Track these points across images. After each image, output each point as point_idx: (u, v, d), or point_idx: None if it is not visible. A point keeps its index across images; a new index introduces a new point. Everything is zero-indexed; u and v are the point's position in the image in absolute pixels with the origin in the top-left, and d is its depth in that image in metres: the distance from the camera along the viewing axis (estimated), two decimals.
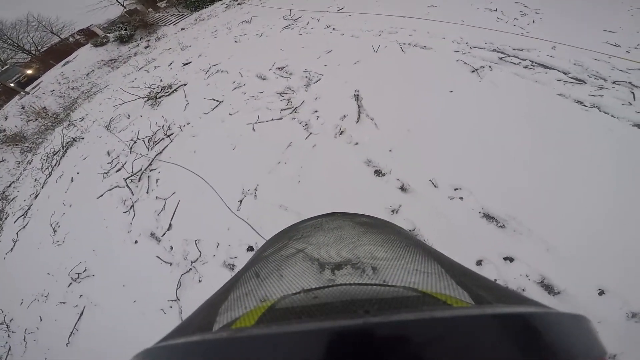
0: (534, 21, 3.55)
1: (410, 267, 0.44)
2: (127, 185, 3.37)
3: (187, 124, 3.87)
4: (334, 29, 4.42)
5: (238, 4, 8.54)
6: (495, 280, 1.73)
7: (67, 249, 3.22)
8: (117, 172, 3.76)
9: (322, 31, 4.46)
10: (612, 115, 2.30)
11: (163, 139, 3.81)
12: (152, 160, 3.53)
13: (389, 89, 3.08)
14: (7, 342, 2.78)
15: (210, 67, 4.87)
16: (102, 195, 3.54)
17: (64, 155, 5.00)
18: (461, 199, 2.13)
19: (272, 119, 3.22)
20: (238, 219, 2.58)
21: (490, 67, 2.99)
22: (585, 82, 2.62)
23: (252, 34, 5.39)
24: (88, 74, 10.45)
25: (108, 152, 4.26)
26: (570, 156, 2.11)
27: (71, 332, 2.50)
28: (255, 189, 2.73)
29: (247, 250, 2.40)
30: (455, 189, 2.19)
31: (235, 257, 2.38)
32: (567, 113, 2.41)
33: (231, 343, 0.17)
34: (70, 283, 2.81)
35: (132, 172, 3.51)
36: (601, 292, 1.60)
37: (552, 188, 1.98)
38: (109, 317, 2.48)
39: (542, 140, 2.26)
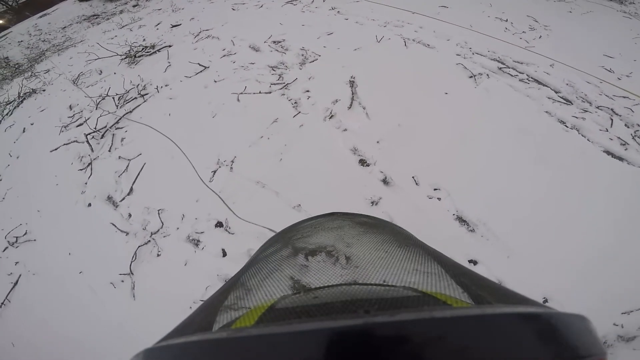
0: (540, 37, 3.57)
1: (410, 267, 0.43)
2: (87, 141, 3.02)
3: (166, 85, 3.55)
4: (339, 12, 4.23)
5: None
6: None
7: (6, 207, 2.81)
8: (77, 127, 3.38)
9: (327, 12, 4.26)
10: (587, 139, 2.38)
11: (136, 97, 3.47)
12: (120, 119, 3.19)
13: (386, 81, 2.97)
14: None
15: (200, 32, 4.53)
16: (56, 149, 3.16)
17: (18, 106, 4.45)
18: (439, 199, 2.13)
19: (260, 92, 3.00)
20: (209, 191, 2.37)
21: (488, 75, 2.97)
22: (572, 103, 2.68)
23: (252, 4, 5.08)
24: (64, 27, 9.51)
25: (70, 106, 3.82)
26: (544, 173, 2.17)
27: (1, 303, 2.16)
28: (232, 161, 2.53)
29: (216, 226, 2.21)
30: (435, 189, 2.18)
31: (202, 233, 2.18)
32: (549, 131, 2.45)
33: (231, 343, 0.17)
34: (6, 247, 2.47)
35: (96, 128, 3.16)
36: (545, 300, 1.70)
37: (524, 200, 2.04)
38: (48, 288, 2.17)
39: (521, 153, 2.30)
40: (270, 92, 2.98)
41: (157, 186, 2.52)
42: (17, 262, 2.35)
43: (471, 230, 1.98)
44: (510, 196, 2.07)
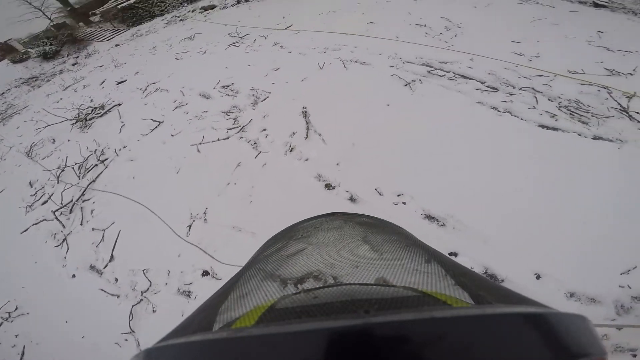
0: (456, 35, 3.99)
1: (411, 267, 0.44)
2: (57, 218, 2.96)
3: (124, 147, 3.54)
4: (281, 46, 4.48)
5: (180, 20, 8.22)
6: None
7: None
8: (43, 204, 3.28)
9: (270, 48, 4.49)
10: (520, 118, 2.67)
11: (96, 165, 3.43)
12: (85, 190, 3.15)
13: (335, 105, 3.20)
14: None
15: (148, 86, 4.56)
16: (26, 230, 3.06)
17: None
18: (404, 203, 2.29)
19: (219, 139, 3.11)
20: (188, 245, 2.42)
21: (420, 80, 3.29)
22: (498, 90, 3.00)
23: (194, 52, 5.21)
24: (2, 93, 9.02)
25: (30, 182, 3.68)
26: (490, 156, 2.39)
27: None
28: (205, 213, 2.59)
29: (202, 275, 2.27)
30: (399, 195, 2.35)
31: (190, 284, 2.23)
32: (485, 118, 2.74)
33: (231, 343, 0.17)
34: (2, 322, 2.50)
35: (62, 204, 3.09)
36: (538, 276, 1.76)
37: (479, 185, 2.22)
38: (55, 355, 2.20)
39: (466, 144, 2.53)
40: (228, 138, 3.10)
41: (137, 249, 2.54)
42: (17, 335, 2.39)
43: (442, 225, 2.09)
44: (466, 186, 2.21)
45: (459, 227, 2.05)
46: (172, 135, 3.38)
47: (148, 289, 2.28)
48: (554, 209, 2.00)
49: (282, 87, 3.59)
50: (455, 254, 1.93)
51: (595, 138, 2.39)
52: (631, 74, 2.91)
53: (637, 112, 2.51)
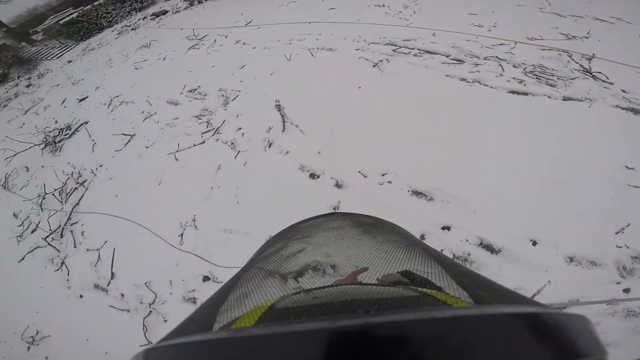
0: (414, 12, 4.04)
1: (410, 267, 0.44)
2: (50, 244, 2.93)
3: (100, 166, 3.44)
4: (244, 43, 4.38)
5: (132, 29, 7.79)
6: (442, 250, 1.85)
7: (6, 315, 2.80)
8: (32, 233, 3.21)
9: (232, 47, 4.38)
10: (490, 87, 2.76)
11: (76, 188, 3.34)
12: (70, 214, 3.10)
13: (307, 94, 3.21)
14: None
15: (112, 100, 4.38)
16: (23, 259, 3.02)
17: None
18: (390, 182, 2.35)
19: (194, 145, 3.07)
20: (184, 253, 2.44)
21: (387, 59, 3.34)
22: (464, 62, 3.10)
23: (153, 59, 5.00)
24: None
25: (14, 214, 3.57)
26: (467, 126, 2.48)
27: None
28: (194, 220, 2.59)
29: (204, 280, 2.31)
30: (383, 175, 2.40)
31: (194, 290, 2.28)
32: (456, 90, 2.82)
33: (231, 343, 0.17)
34: (29, 347, 2.55)
35: (51, 230, 3.05)
36: (534, 243, 1.75)
37: (460, 155, 2.30)
38: None
39: (442, 116, 2.61)
40: (204, 142, 3.06)
41: (135, 264, 2.56)
42: (46, 357, 2.44)
43: (430, 200, 2.12)
44: (449, 158, 2.26)
45: (447, 200, 2.10)
46: (147, 147, 3.30)
47: (154, 300, 2.31)
48: (538, 173, 2.06)
49: (251, 84, 3.55)
50: (449, 228, 1.97)
51: (565, 99, 2.51)
52: (586, 37, 3.05)
53: (600, 72, 2.64)
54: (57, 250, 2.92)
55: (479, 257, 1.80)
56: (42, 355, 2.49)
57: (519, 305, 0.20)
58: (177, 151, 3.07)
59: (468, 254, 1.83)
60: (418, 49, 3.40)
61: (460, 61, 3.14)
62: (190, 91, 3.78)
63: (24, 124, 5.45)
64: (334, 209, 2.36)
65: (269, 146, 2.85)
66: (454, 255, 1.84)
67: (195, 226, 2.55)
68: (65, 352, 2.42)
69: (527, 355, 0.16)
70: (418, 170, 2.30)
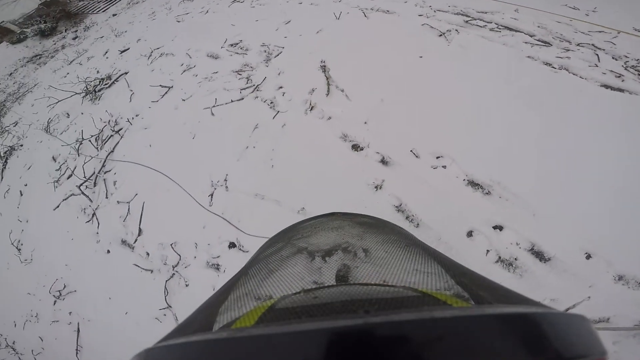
0: None
1: (410, 267, 0.44)
2: (83, 193, 2.95)
3: (136, 115, 3.40)
4: None
5: None
6: (488, 251, 1.72)
7: (38, 267, 2.89)
8: (68, 178, 3.29)
9: (278, 1, 4.06)
10: (580, 77, 2.31)
11: (112, 135, 3.34)
12: (105, 161, 3.10)
13: (357, 57, 2.88)
14: None
15: (152, 52, 4.29)
16: (58, 207, 3.09)
17: (4, 167, 4.27)
18: (444, 167, 2.05)
19: (232, 101, 2.88)
20: (212, 215, 2.33)
21: (457, 30, 2.89)
22: (551, 45, 2.60)
23: (196, 12, 4.80)
24: (11, 73, 8.92)
25: (53, 157, 3.68)
26: (546, 118, 2.09)
27: (77, 350, 2.37)
28: (225, 180, 2.45)
29: (229, 247, 2.21)
30: (437, 157, 2.11)
31: (218, 257, 2.19)
32: (538, 75, 2.38)
33: (231, 343, 0.17)
34: (55, 301, 2.62)
35: (85, 177, 3.09)
36: (588, 256, 1.60)
37: (531, 150, 1.96)
38: (106, 331, 2.33)
39: (517, 102, 2.22)
40: (242, 98, 2.87)
41: (162, 221, 2.50)
42: (70, 312, 2.51)
43: (487, 193, 1.86)
44: (517, 150, 1.94)
45: (506, 197, 1.83)
46: (184, 100, 3.18)
47: (178, 263, 2.25)
48: (618, 183, 1.73)
49: (295, 41, 3.26)
50: (501, 227, 1.76)
51: None
52: None
53: None
54: (90, 199, 2.93)
55: (525, 263, 1.66)
56: (67, 310, 2.53)
57: (519, 306, 0.22)
58: (214, 106, 2.91)
59: (515, 259, 1.68)
60: (496, 24, 2.90)
61: (547, 43, 2.62)
62: (231, 45, 3.57)
63: (68, 73, 5.62)
64: (376, 187, 2.12)
65: (310, 109, 2.59)
66: (499, 257, 1.69)
67: (226, 187, 2.42)
68: (88, 309, 2.45)
69: (528, 356, 0.16)
70: (478, 159, 1.99)
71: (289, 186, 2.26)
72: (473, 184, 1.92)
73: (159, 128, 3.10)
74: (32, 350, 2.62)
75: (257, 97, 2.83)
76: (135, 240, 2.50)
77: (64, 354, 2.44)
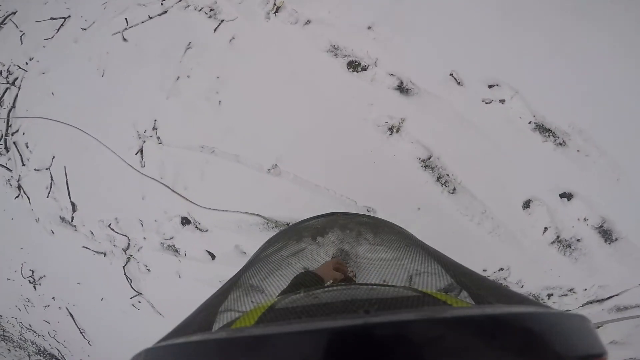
0: None
1: (411, 267, 0.45)
2: None
3: (30, 59, 2.55)
4: None
5: None
6: (546, 229, 1.37)
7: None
8: None
9: None
10: None
11: (8, 88, 2.65)
12: (8, 120, 2.53)
13: None
14: (48, 345, 2.92)
15: None
16: None
17: None
18: (502, 102, 1.36)
19: (150, 17, 1.89)
20: (150, 181, 1.73)
21: None
22: None
23: None
24: None
25: None
26: None
27: (81, 332, 2.45)
28: (154, 128, 1.72)
29: (182, 223, 1.73)
30: (491, 86, 1.36)
31: (172, 238, 1.78)
32: None
33: (231, 343, 0.17)
34: (35, 286, 2.58)
35: None
36: None
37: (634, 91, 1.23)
38: (94, 315, 2.35)
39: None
40: (165, 12, 1.88)
41: (94, 192, 2.05)
42: (53, 297, 2.48)
43: (561, 144, 1.31)
44: (610, 86, 1.25)
45: (586, 150, 1.29)
46: (84, 29, 2.20)
47: (128, 245, 1.99)
48: None
49: None
50: (570, 196, 1.33)
51: None
52: None
53: None
54: (8, 169, 2.50)
55: (587, 245, 1.35)
56: (49, 295, 2.47)
57: (519, 305, 0.22)
58: (125, 29, 1.95)
59: (577, 240, 1.35)
60: None
61: None
62: None
63: None
64: (390, 130, 1.42)
65: (275, 10, 1.63)
66: (558, 237, 1.36)
67: (158, 137, 1.71)
68: (65, 294, 2.35)
69: (527, 356, 0.16)
70: (552, 93, 1.32)
71: (249, 132, 1.51)
72: (543, 129, 1.33)
73: (59, 70, 2.28)
74: (48, 332, 2.75)
75: (187, 5, 1.82)
76: (72, 218, 2.15)
77: (72, 335, 2.55)
